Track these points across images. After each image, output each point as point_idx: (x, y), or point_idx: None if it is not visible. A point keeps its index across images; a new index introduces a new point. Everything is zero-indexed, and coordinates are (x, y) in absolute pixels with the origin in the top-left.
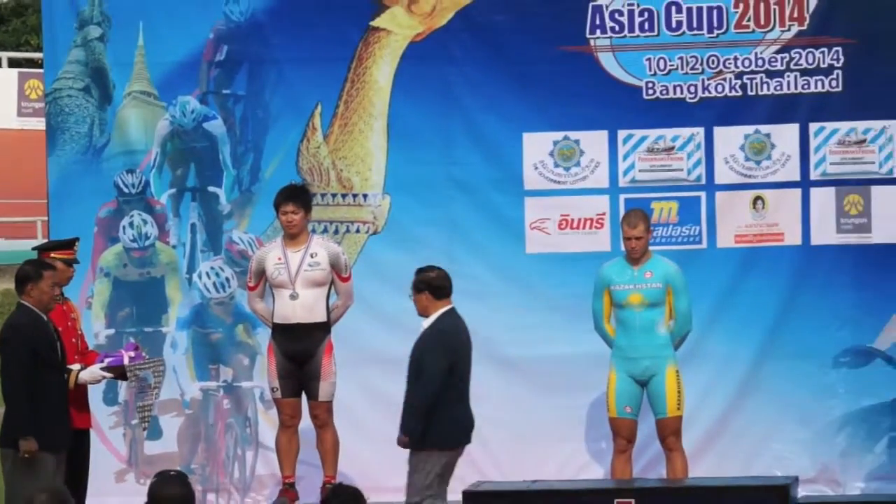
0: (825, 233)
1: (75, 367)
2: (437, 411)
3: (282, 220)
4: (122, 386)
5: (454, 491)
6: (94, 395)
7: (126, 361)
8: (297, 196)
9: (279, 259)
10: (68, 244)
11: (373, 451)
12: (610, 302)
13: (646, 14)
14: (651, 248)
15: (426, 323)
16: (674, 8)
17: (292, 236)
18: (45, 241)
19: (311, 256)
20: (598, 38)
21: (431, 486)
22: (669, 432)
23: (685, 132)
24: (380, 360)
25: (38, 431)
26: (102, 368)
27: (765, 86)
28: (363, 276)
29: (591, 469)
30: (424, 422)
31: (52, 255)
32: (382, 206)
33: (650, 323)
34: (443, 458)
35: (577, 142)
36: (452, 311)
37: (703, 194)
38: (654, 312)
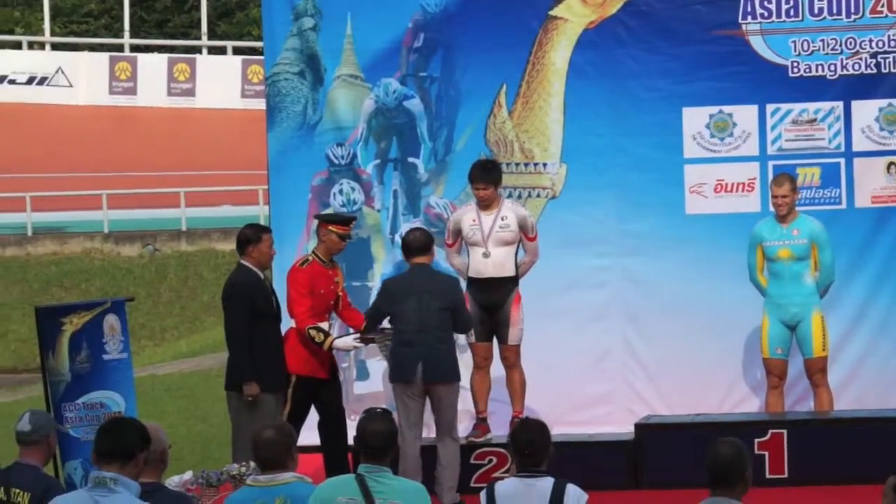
0: None
1: (328, 329)
2: (393, 349)
3: (475, 194)
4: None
5: (627, 422)
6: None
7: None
8: (487, 175)
9: (474, 221)
10: (346, 221)
11: (555, 389)
12: (762, 256)
13: (791, 1)
14: (797, 208)
15: None
16: None
17: (485, 206)
18: (329, 212)
19: (502, 219)
20: (749, 23)
21: (400, 417)
22: (816, 370)
23: (826, 106)
24: (559, 310)
25: (258, 376)
26: (355, 338)
27: None
28: (543, 236)
29: (747, 403)
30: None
31: (330, 227)
32: (560, 173)
33: (798, 274)
34: (397, 391)
35: (730, 115)
36: (414, 266)
37: (842, 160)
38: (801, 265)
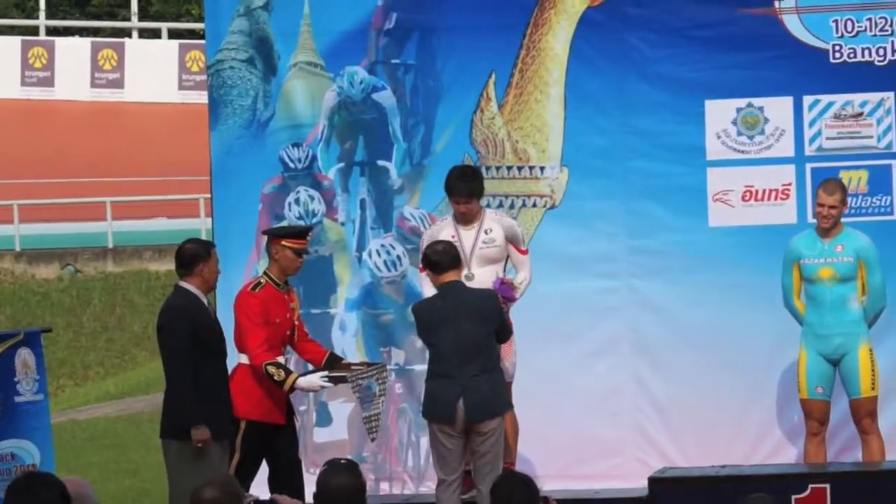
0: None
1: (285, 366)
2: (428, 382)
3: (455, 208)
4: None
5: (638, 475)
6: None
7: None
8: (469, 186)
9: (453, 237)
10: (301, 233)
11: (554, 436)
12: (800, 276)
13: None
14: (842, 220)
15: None
16: None
17: (465, 220)
18: (279, 225)
19: (486, 233)
20: None
21: (436, 460)
22: (864, 413)
23: (874, 97)
24: (559, 342)
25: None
26: (323, 377)
27: None
28: (540, 252)
29: (782, 452)
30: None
31: (283, 242)
32: (560, 178)
33: (842, 298)
34: (433, 430)
35: (760, 109)
36: (445, 287)
37: (893, 162)
38: (845, 287)
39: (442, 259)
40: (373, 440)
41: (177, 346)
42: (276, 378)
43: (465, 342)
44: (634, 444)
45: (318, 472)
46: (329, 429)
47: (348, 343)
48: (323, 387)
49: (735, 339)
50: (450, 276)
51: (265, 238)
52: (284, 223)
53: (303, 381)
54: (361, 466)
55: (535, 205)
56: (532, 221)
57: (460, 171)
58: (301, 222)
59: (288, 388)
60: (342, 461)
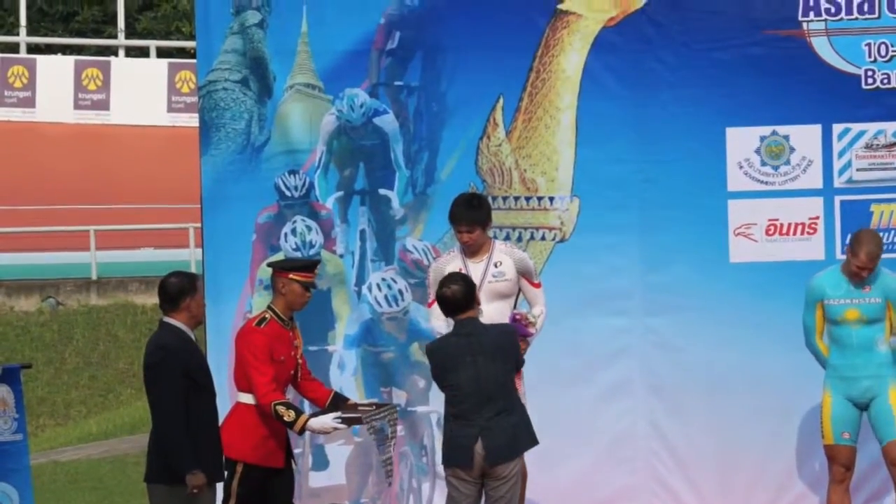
0: None
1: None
2: (445, 426)
3: (458, 238)
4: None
5: None
6: None
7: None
8: (473, 214)
9: (460, 270)
10: (310, 266)
11: (564, 482)
12: (823, 317)
13: None
14: None
15: None
16: None
17: (472, 252)
18: (284, 258)
19: (495, 266)
20: (811, 20)
21: None
22: None
23: None
24: (569, 383)
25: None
26: (336, 419)
27: None
28: (549, 288)
29: (805, 501)
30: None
31: (291, 275)
32: (571, 210)
33: (869, 340)
34: (449, 476)
35: (786, 137)
36: (460, 323)
37: None
38: (873, 329)
39: (453, 300)
40: (389, 485)
41: (170, 387)
42: (285, 419)
43: (484, 382)
44: (649, 492)
45: None
46: (326, 472)
47: (347, 382)
48: (336, 428)
49: (756, 382)
50: (465, 314)
51: (270, 271)
52: (280, 255)
53: (315, 423)
54: None
55: (543, 238)
56: (541, 255)
57: (465, 199)
58: (298, 254)
59: (299, 430)
60: None
